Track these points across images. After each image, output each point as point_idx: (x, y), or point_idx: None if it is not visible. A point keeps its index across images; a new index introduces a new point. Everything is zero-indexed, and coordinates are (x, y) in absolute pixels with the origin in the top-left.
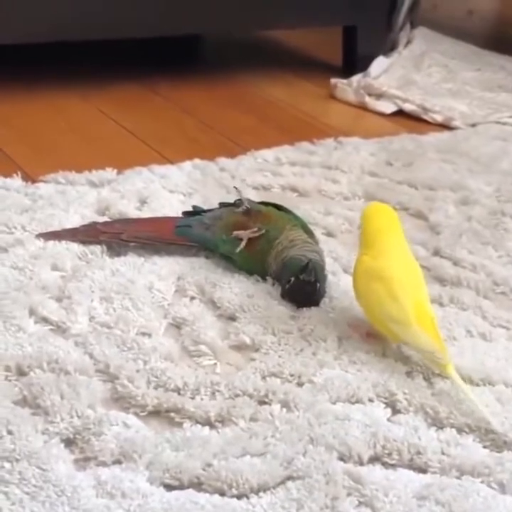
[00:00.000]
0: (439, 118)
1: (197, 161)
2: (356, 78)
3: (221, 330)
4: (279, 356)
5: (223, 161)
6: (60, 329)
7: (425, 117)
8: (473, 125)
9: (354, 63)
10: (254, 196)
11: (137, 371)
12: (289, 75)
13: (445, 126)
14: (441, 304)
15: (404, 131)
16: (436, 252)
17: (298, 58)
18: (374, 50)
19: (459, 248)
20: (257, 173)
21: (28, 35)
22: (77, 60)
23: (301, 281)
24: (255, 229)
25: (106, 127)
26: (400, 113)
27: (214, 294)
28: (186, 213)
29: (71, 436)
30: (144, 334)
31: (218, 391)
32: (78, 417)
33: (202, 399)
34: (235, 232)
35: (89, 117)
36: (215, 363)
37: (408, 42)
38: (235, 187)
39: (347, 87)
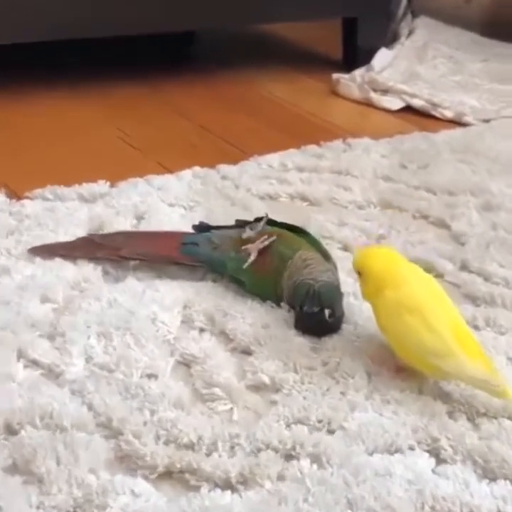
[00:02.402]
0: (449, 114)
1: (197, 168)
2: (359, 73)
3: (236, 368)
4: (304, 398)
5: (225, 168)
6: (53, 374)
7: (434, 113)
8: (486, 121)
9: (355, 56)
10: (262, 207)
11: (144, 424)
12: (289, 70)
13: (456, 122)
14: (476, 327)
15: (413, 128)
16: (464, 266)
17: (296, 52)
18: (375, 42)
19: (488, 260)
20: (262, 181)
21: (16, 34)
22: (66, 60)
23: (305, 314)
24: (265, 237)
25: (97, 134)
26: (407, 109)
27: (225, 324)
28: (196, 228)
29: (71, 510)
30: (149, 377)
31: (238, 445)
32: (78, 485)
33: (220, 456)
34: (244, 247)
35: (79, 122)
36: (232, 408)
37: (410, 32)
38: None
39: (350, 82)
